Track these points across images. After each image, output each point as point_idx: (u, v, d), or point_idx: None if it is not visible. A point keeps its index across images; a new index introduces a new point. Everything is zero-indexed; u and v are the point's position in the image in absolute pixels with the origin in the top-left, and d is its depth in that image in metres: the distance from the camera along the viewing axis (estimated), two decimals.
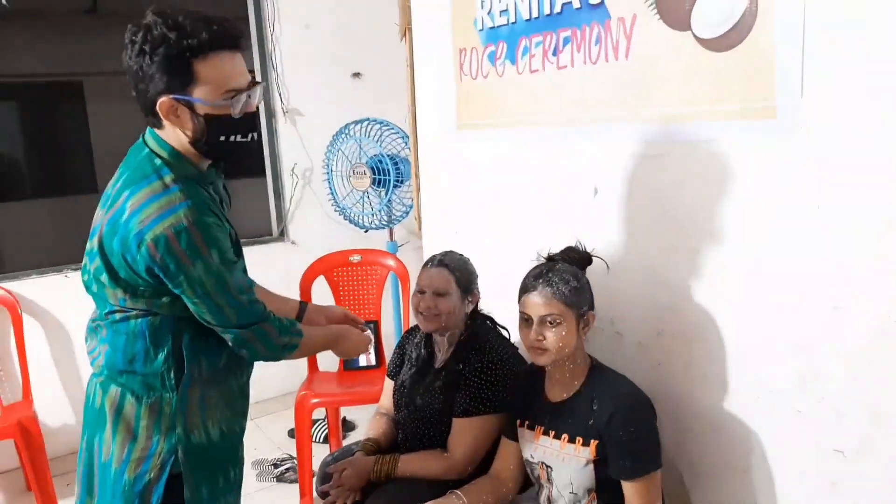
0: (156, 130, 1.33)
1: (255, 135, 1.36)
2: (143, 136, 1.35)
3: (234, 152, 1.34)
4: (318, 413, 3.00)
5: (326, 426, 3.07)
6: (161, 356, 1.35)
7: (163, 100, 1.23)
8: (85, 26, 5.89)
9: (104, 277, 1.31)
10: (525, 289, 1.53)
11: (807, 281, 1.40)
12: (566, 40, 1.87)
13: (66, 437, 3.06)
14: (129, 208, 1.25)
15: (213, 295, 1.29)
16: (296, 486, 2.75)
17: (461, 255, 1.93)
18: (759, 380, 1.53)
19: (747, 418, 1.58)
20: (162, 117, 1.26)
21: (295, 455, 2.77)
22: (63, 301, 3.10)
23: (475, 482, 1.69)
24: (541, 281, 1.50)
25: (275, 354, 1.43)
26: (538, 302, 1.49)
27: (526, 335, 1.51)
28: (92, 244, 1.33)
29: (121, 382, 1.38)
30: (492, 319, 1.95)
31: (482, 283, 1.96)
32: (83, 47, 5.96)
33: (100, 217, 1.33)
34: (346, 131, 3.18)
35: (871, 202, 1.28)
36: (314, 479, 2.22)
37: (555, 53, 1.91)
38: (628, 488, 1.47)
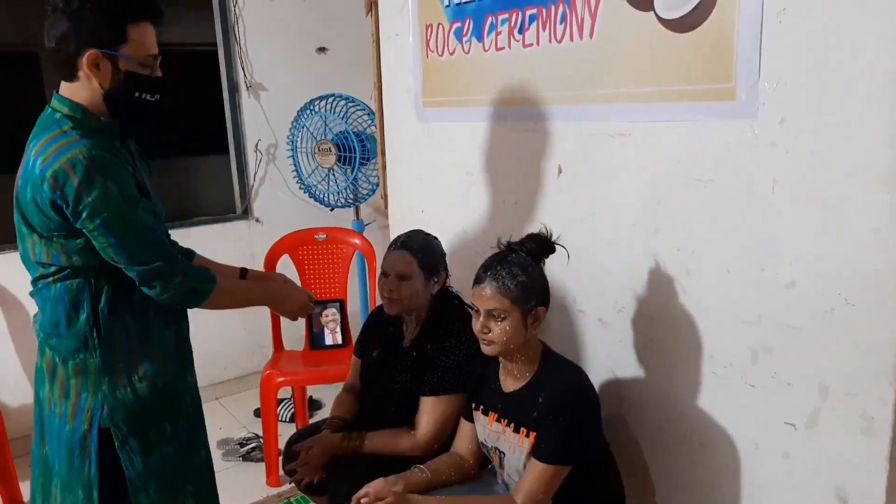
0: (63, 88, 1.42)
1: (160, 97, 1.46)
2: (49, 103, 1.44)
3: (140, 110, 1.44)
4: (285, 392, 3.00)
5: (293, 405, 3.07)
6: (82, 318, 1.44)
7: (91, 52, 1.34)
8: None
9: (24, 229, 1.41)
10: (476, 279, 1.53)
11: (762, 258, 1.44)
12: (532, 18, 1.86)
13: (26, 418, 2.98)
14: (34, 155, 1.35)
15: (113, 228, 1.35)
16: (262, 465, 2.75)
17: (427, 235, 1.92)
18: (715, 355, 1.57)
19: (703, 393, 1.62)
20: (82, 69, 1.36)
21: (261, 434, 2.77)
22: (19, 278, 3.00)
23: (439, 458, 1.72)
24: (489, 274, 1.50)
25: (184, 297, 1.49)
26: (485, 295, 1.49)
27: (475, 325, 1.53)
28: (15, 208, 1.42)
29: (50, 345, 1.49)
30: (459, 298, 1.96)
31: (450, 263, 1.96)
32: (39, 18, 5.77)
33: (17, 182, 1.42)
34: (312, 107, 3.14)
35: (826, 181, 1.31)
36: (280, 458, 2.22)
37: (521, 31, 1.91)
38: (530, 466, 1.49)
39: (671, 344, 1.66)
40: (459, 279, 2.00)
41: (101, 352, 1.45)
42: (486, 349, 1.53)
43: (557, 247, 1.59)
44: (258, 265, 2.94)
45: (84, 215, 1.32)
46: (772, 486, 1.51)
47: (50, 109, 1.41)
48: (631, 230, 1.71)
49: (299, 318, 1.81)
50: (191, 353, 1.66)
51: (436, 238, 1.94)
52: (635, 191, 1.68)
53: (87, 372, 1.46)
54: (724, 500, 1.61)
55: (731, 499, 1.60)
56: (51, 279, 1.44)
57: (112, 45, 1.36)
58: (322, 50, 3.69)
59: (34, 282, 1.50)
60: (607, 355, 1.84)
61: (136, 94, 1.41)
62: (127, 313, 1.47)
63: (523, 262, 1.51)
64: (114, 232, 1.35)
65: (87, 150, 1.32)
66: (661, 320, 1.68)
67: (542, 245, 1.56)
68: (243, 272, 1.79)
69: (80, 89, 1.39)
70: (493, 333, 1.49)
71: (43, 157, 1.32)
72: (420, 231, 1.94)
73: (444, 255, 1.92)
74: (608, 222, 1.77)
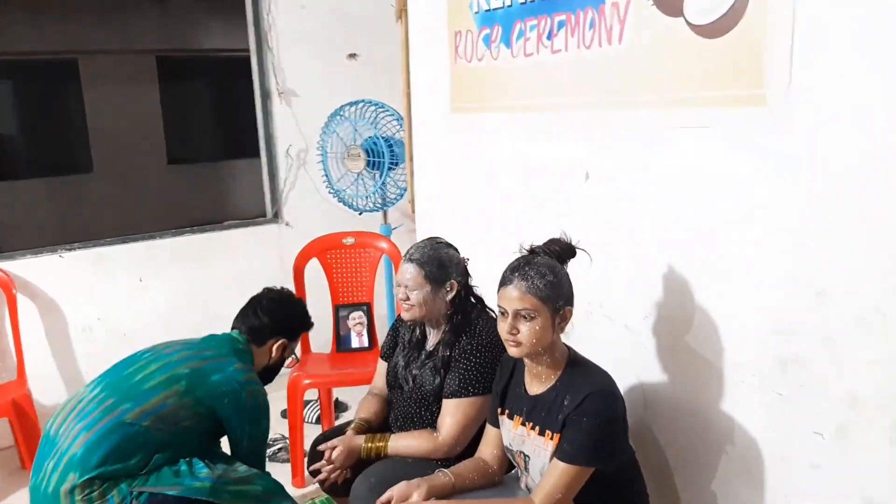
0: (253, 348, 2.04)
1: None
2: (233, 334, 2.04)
3: (269, 380, 2.10)
4: (312, 394, 3.02)
5: (319, 407, 3.09)
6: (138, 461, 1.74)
7: (283, 340, 2.08)
8: (81, 5, 5.83)
9: (178, 387, 1.78)
10: (502, 281, 1.53)
11: (793, 267, 1.42)
12: (561, 24, 1.87)
13: None
14: (237, 369, 1.88)
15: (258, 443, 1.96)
16: (288, 466, 2.77)
17: (437, 244, 1.93)
18: (743, 363, 1.56)
19: (730, 401, 1.60)
20: (270, 345, 2.06)
21: (287, 435, 2.80)
22: (57, 281, 3.11)
23: (463, 462, 1.72)
24: (517, 274, 1.50)
25: None
26: (513, 296, 1.49)
27: (502, 327, 1.53)
28: (179, 370, 1.82)
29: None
30: (481, 301, 1.96)
31: (475, 267, 1.97)
32: (79, 27, 5.91)
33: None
34: (341, 113, 3.18)
35: (859, 190, 1.30)
36: (305, 459, 2.24)
37: (549, 37, 1.91)
38: (551, 467, 1.48)
39: (699, 352, 1.65)
40: (486, 284, 2.01)
41: None
42: (514, 351, 1.53)
43: (578, 251, 1.59)
44: (287, 268, 2.98)
45: (248, 426, 1.87)
46: (799, 497, 1.48)
47: (239, 344, 1.99)
48: (659, 236, 1.70)
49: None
50: None
51: (449, 246, 1.94)
52: (664, 197, 1.68)
53: None
54: None
55: None
56: (147, 422, 1.71)
57: (292, 340, 2.11)
58: (352, 56, 3.73)
59: (125, 412, 1.72)
60: (634, 362, 1.83)
61: (276, 371, 2.13)
62: None
63: (550, 263, 1.52)
64: (259, 442, 1.94)
65: (262, 391, 1.93)
66: (688, 327, 1.67)
67: (563, 248, 1.57)
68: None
69: (260, 355, 2.04)
70: (522, 334, 1.49)
71: (247, 374, 1.89)
72: (431, 240, 1.95)
73: (459, 261, 1.92)
74: (636, 228, 1.76)
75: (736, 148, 1.50)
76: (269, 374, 2.10)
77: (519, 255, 1.58)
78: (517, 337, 1.50)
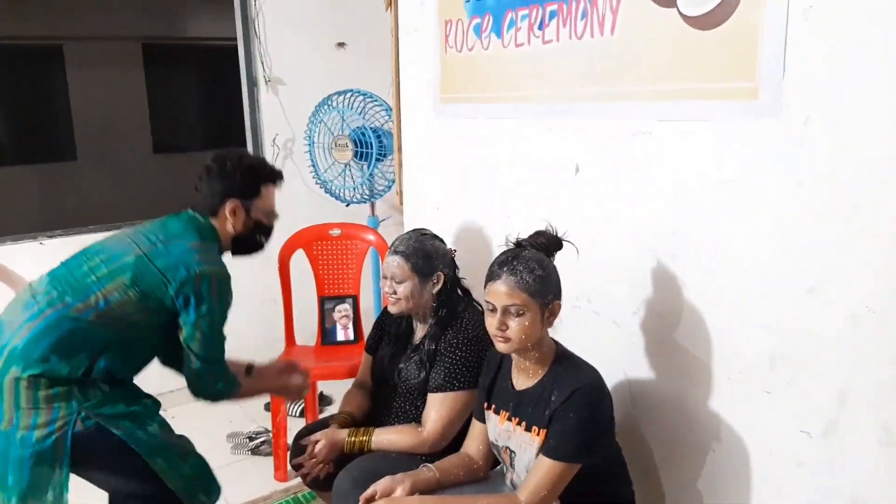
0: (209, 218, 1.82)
1: (266, 240, 1.94)
2: (188, 210, 1.83)
3: (250, 249, 1.91)
4: None
5: (303, 400, 3.06)
6: (82, 358, 1.61)
7: (232, 201, 1.79)
8: None
9: (125, 275, 1.63)
10: (490, 276, 1.51)
11: (784, 262, 1.41)
12: (552, 14, 1.84)
13: None
14: (191, 247, 1.69)
15: (210, 330, 1.70)
16: (271, 460, 2.75)
17: (422, 236, 1.90)
18: (731, 360, 1.54)
19: (718, 398, 1.59)
20: (222, 212, 1.80)
21: (270, 428, 2.77)
22: (38, 268, 3.04)
23: (448, 458, 1.70)
24: (505, 269, 1.47)
25: (216, 396, 1.82)
26: (502, 291, 1.47)
27: (490, 323, 1.50)
28: (124, 259, 1.66)
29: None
30: (468, 293, 1.94)
31: (464, 260, 1.95)
32: (64, 12, 5.81)
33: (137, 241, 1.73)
34: (329, 102, 3.14)
35: (851, 185, 1.28)
36: (289, 453, 2.22)
37: (540, 27, 1.88)
38: (537, 463, 1.46)
39: (687, 347, 1.63)
40: (474, 276, 1.98)
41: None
42: (502, 347, 1.50)
43: (565, 243, 1.57)
44: (273, 260, 2.94)
45: (193, 313, 1.66)
46: (786, 496, 1.47)
47: (199, 219, 1.79)
48: (649, 230, 1.68)
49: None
50: None
51: (435, 237, 1.92)
52: (654, 190, 1.66)
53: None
54: None
55: None
56: (92, 317, 1.60)
57: (248, 198, 1.81)
58: (341, 45, 3.68)
59: (69, 306, 1.61)
60: (621, 357, 1.81)
61: (256, 238, 1.88)
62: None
63: (537, 256, 1.49)
64: (210, 331, 1.70)
65: (222, 271, 1.72)
66: (677, 323, 1.65)
67: (549, 240, 1.55)
68: (249, 369, 2.01)
69: (219, 225, 1.81)
70: (511, 330, 1.47)
71: (199, 254, 1.68)
72: (416, 232, 1.92)
73: (446, 252, 1.90)
74: (626, 222, 1.74)
75: (728, 141, 1.48)
76: (245, 244, 1.87)
77: (506, 249, 1.55)
78: (506, 333, 1.47)
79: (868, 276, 1.27)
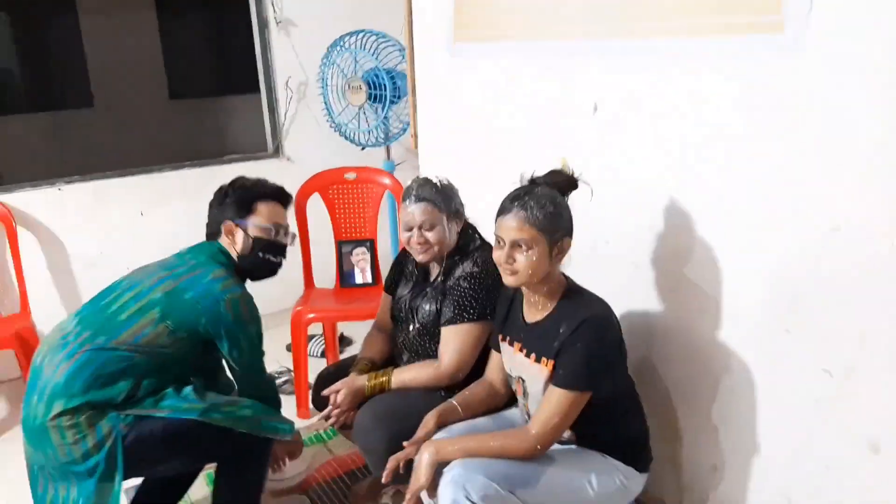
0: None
1: (283, 259, 1.90)
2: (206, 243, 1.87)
3: (263, 268, 1.87)
4: (317, 328, 3.04)
5: (324, 341, 3.11)
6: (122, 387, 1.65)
7: (226, 223, 1.83)
8: None
9: (154, 312, 1.68)
10: (501, 210, 1.51)
11: (807, 200, 1.38)
12: None
13: None
14: (213, 277, 1.73)
15: (250, 349, 1.78)
16: (293, 398, 2.81)
17: (438, 181, 1.89)
18: (751, 299, 1.53)
19: (737, 337, 1.59)
20: (222, 237, 1.84)
21: (292, 368, 2.82)
22: (57, 213, 3.09)
23: (469, 387, 1.74)
24: (517, 204, 1.47)
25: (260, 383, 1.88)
26: (511, 225, 1.47)
27: (498, 255, 1.51)
28: (153, 295, 1.70)
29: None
30: (474, 228, 1.94)
31: (478, 203, 1.93)
32: None
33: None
34: (342, 43, 3.08)
35: (880, 122, 1.24)
36: (310, 392, 2.27)
37: None
38: (548, 393, 1.49)
39: (706, 287, 1.63)
40: (486, 216, 1.97)
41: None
42: (510, 280, 1.52)
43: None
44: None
45: (233, 337, 1.73)
46: (803, 432, 1.49)
47: (213, 248, 1.83)
48: (668, 170, 1.66)
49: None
50: None
51: (445, 179, 1.90)
52: (673, 130, 1.62)
53: None
54: (753, 445, 1.60)
55: (760, 445, 1.58)
56: (127, 350, 1.65)
57: (242, 217, 1.82)
58: None
59: (103, 344, 1.65)
60: (640, 299, 1.81)
61: (261, 255, 1.84)
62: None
63: (550, 194, 1.49)
64: (250, 348, 1.78)
65: (246, 293, 1.77)
66: (697, 263, 1.64)
67: (564, 179, 1.54)
68: None
69: (229, 251, 1.84)
70: (518, 263, 1.48)
71: (223, 282, 1.72)
72: (424, 179, 1.90)
73: (457, 190, 1.90)
74: (644, 163, 1.72)
75: (750, 78, 1.43)
76: (253, 263, 1.86)
77: (518, 186, 1.55)
78: (513, 266, 1.48)
79: (894, 214, 1.25)
